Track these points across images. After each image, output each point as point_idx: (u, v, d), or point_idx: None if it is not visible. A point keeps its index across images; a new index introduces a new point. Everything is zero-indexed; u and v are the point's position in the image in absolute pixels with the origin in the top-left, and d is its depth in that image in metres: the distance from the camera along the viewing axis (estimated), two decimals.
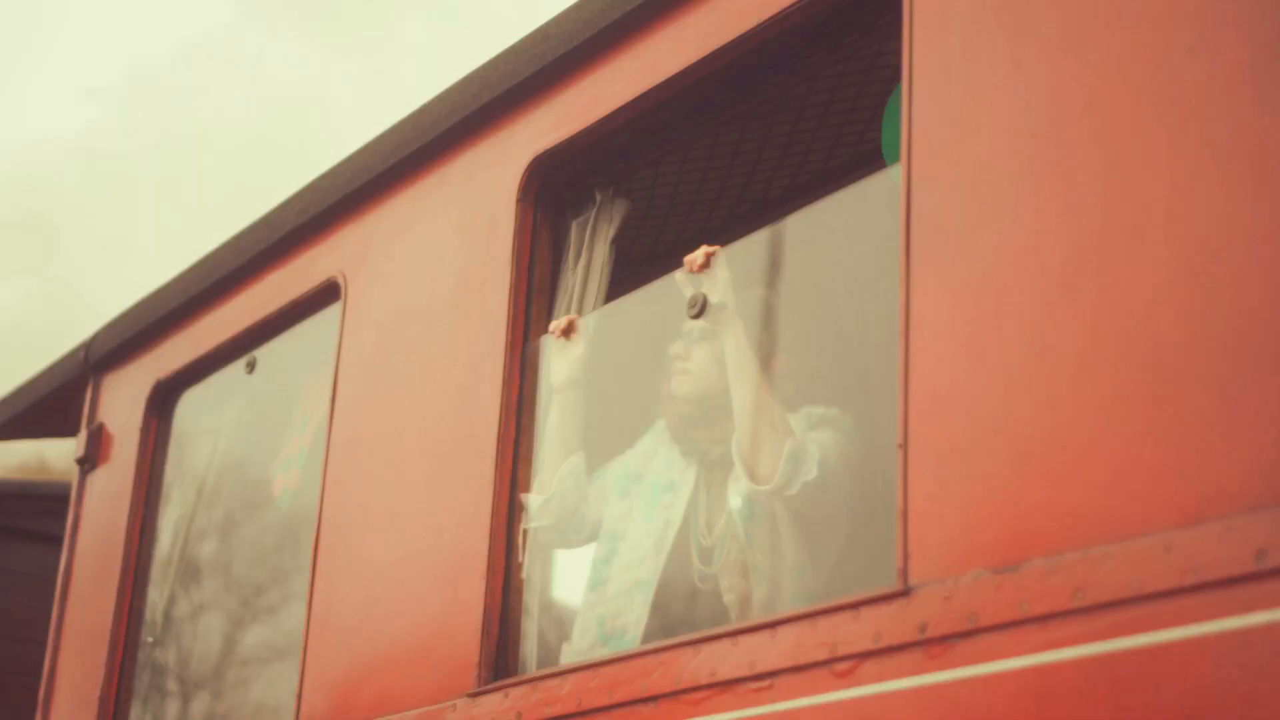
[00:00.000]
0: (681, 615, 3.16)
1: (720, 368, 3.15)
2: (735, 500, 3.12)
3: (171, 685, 4.53)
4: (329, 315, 4.03)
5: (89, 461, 4.87)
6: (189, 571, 4.55)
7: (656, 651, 2.79)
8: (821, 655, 2.48)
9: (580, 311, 3.42)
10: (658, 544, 3.20)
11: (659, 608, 3.15)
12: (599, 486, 3.37)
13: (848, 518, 3.07)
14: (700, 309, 3.10)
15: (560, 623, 3.36)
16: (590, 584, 3.27)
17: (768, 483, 2.99)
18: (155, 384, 4.65)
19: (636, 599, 3.17)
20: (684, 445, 3.29)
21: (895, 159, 3.05)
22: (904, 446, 2.46)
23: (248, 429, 4.54)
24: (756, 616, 2.98)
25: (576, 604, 3.33)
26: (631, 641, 3.12)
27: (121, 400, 4.83)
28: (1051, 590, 2.19)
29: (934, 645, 2.32)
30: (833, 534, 3.06)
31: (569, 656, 3.21)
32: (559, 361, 3.36)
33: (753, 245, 3.31)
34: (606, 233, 3.50)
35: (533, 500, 3.30)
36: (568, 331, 3.34)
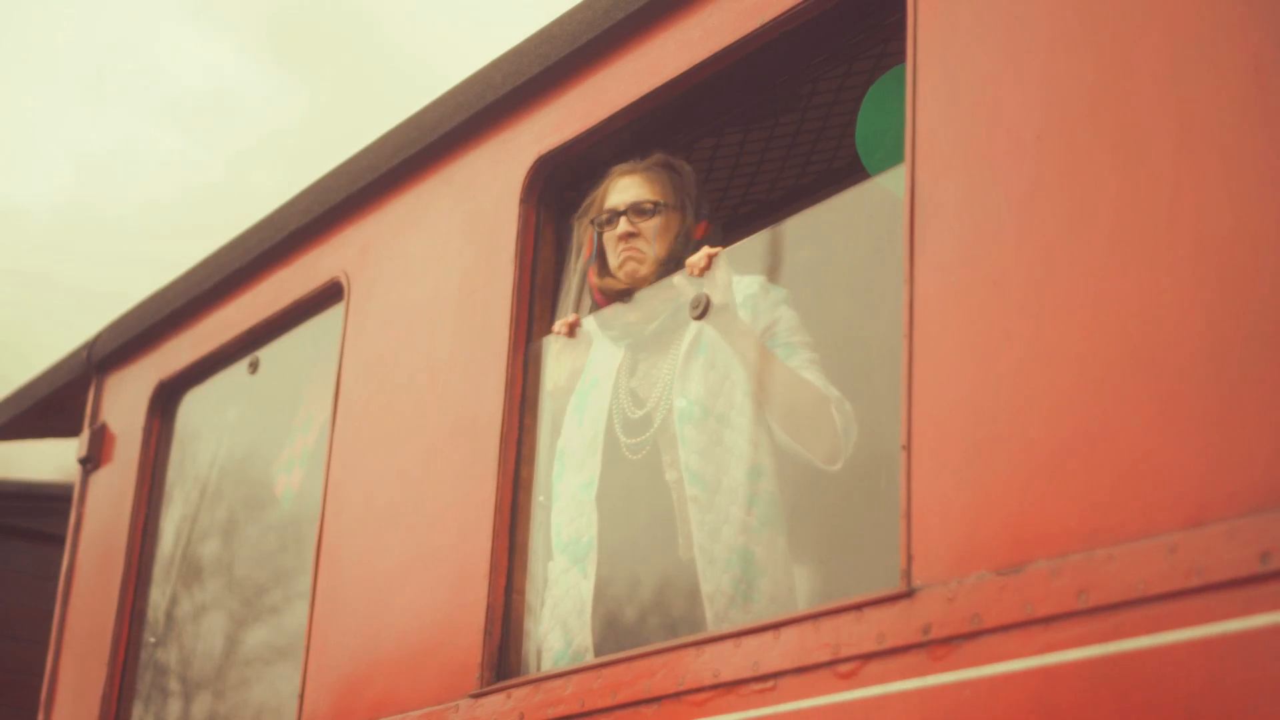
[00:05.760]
0: (626, 505, 3.17)
1: (729, 361, 3.14)
2: (680, 401, 3.12)
3: (173, 685, 4.53)
4: (332, 315, 4.03)
5: (91, 461, 4.87)
6: (191, 571, 4.55)
7: (660, 652, 2.79)
8: (825, 656, 2.48)
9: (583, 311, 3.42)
10: (592, 441, 3.22)
11: (602, 500, 3.17)
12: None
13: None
14: (703, 310, 3.10)
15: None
16: (551, 500, 3.29)
17: (837, 461, 3.00)
18: (158, 384, 4.66)
19: (583, 500, 3.19)
20: (613, 332, 3.30)
21: (876, 169, 3.05)
22: (907, 448, 2.46)
23: (250, 429, 4.54)
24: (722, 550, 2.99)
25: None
26: (589, 544, 3.14)
27: (124, 400, 4.83)
28: (1055, 592, 2.19)
29: (938, 647, 2.32)
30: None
31: (550, 573, 3.22)
32: (556, 365, 3.36)
33: (755, 247, 3.30)
34: None
35: None
36: (571, 330, 3.34)
